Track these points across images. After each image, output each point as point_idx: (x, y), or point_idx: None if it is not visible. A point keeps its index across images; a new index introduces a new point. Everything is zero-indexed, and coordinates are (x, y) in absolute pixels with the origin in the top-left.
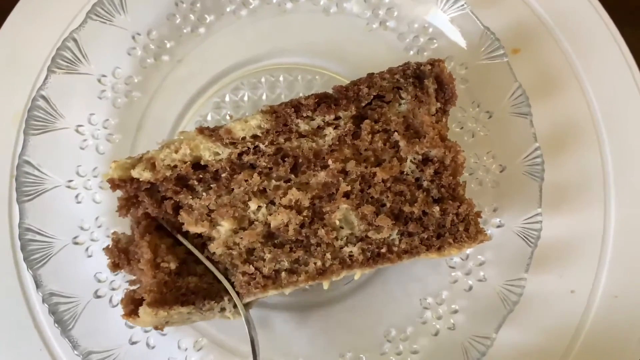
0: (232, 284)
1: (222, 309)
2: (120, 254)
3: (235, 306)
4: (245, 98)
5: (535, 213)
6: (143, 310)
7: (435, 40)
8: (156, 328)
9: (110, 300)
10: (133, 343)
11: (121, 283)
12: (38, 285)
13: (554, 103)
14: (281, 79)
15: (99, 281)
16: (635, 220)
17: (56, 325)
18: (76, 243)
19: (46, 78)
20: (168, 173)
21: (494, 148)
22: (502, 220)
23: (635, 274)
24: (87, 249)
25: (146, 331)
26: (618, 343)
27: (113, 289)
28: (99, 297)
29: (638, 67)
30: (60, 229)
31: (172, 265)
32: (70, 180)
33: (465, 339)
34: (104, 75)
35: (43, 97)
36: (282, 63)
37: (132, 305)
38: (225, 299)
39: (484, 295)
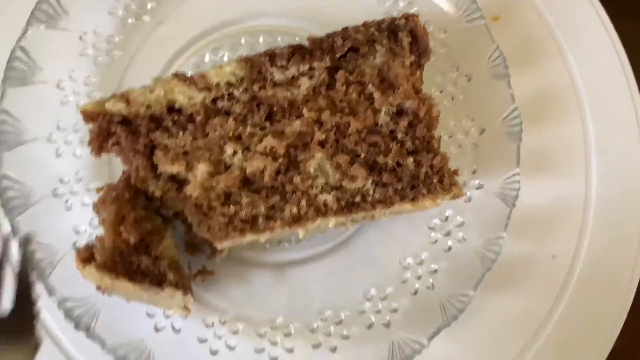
0: (208, 229)
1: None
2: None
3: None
4: (225, 58)
5: (513, 173)
6: (89, 269)
7: (414, 5)
8: (98, 288)
9: None
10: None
11: None
12: (15, 232)
13: (535, 72)
14: (261, 40)
15: (78, 233)
16: (617, 187)
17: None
18: (55, 195)
19: (25, 31)
20: (142, 110)
21: (473, 111)
22: (481, 182)
23: (617, 241)
24: (66, 202)
25: None
26: (600, 309)
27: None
28: (78, 248)
29: (619, 37)
30: (39, 181)
31: (132, 239)
32: (51, 134)
33: (443, 297)
34: (85, 33)
35: (22, 49)
36: (262, 25)
37: (88, 254)
38: (178, 292)
39: (463, 255)
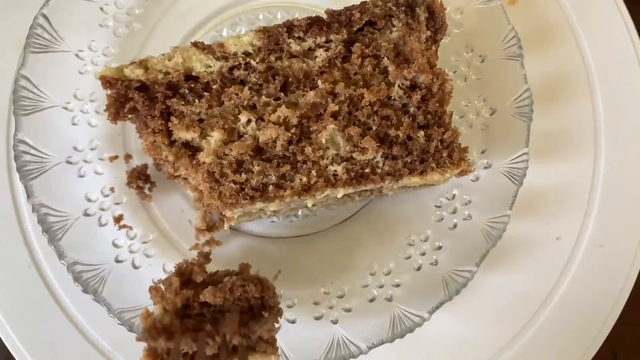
0: (219, 196)
1: None
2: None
3: None
4: (242, 33)
5: (521, 152)
6: None
7: None
8: None
9: (99, 220)
10: (118, 262)
11: (111, 204)
12: (29, 195)
13: (549, 55)
14: (279, 16)
15: (89, 200)
16: (624, 172)
17: (44, 234)
18: (69, 162)
19: (47, 0)
20: (160, 77)
21: (486, 92)
22: (489, 162)
23: (622, 225)
24: (79, 169)
25: (132, 252)
26: (600, 291)
27: (102, 209)
28: (87, 215)
29: (633, 22)
30: (55, 147)
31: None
32: (68, 102)
33: (446, 272)
34: (106, 4)
35: (44, 16)
36: (281, 1)
37: None
38: None
39: (468, 233)
